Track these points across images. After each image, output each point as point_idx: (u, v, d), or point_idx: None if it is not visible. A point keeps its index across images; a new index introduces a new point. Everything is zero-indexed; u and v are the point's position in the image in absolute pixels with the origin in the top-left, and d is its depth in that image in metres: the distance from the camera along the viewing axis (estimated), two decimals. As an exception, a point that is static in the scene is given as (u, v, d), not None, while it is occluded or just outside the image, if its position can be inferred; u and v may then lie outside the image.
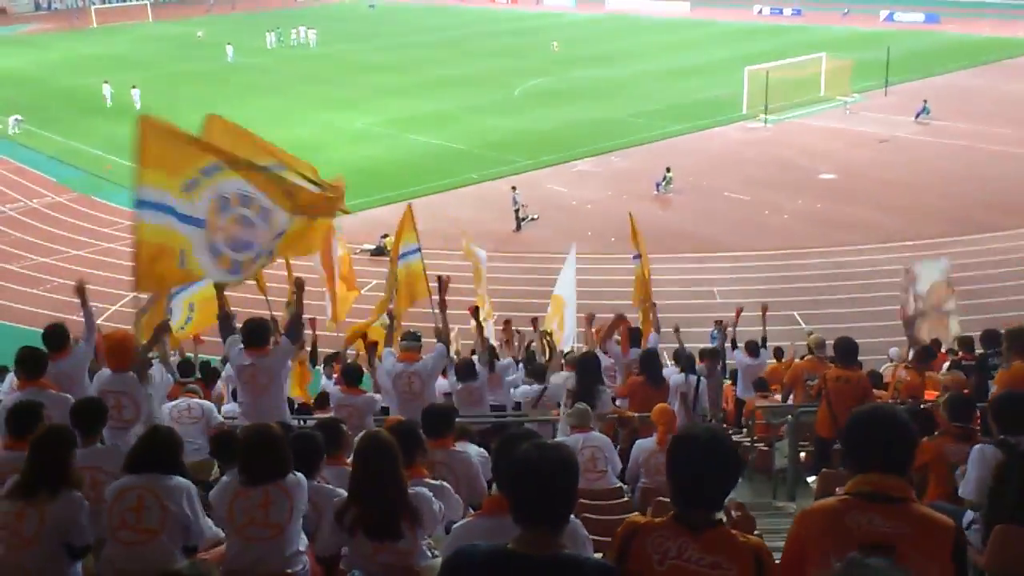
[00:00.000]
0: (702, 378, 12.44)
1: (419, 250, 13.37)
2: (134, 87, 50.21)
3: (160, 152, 7.29)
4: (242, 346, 8.32)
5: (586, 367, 9.34)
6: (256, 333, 8.37)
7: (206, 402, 8.85)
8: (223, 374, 11.91)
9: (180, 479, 5.34)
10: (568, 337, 15.38)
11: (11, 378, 8.39)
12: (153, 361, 8.12)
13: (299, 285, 8.75)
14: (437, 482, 5.68)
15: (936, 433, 6.94)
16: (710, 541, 3.28)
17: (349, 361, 11.08)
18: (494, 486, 6.39)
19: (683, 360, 12.65)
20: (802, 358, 12.60)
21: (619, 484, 8.23)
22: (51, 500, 5.19)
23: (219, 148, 7.74)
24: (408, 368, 9.53)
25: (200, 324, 12.11)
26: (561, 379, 9.91)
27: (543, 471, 3.20)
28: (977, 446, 6.07)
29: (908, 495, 3.60)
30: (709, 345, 19.55)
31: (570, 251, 16.98)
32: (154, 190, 7.27)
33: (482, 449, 7.22)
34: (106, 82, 51.85)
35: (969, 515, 5.88)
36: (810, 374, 11.25)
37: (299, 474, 5.28)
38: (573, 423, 8.13)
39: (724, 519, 3.44)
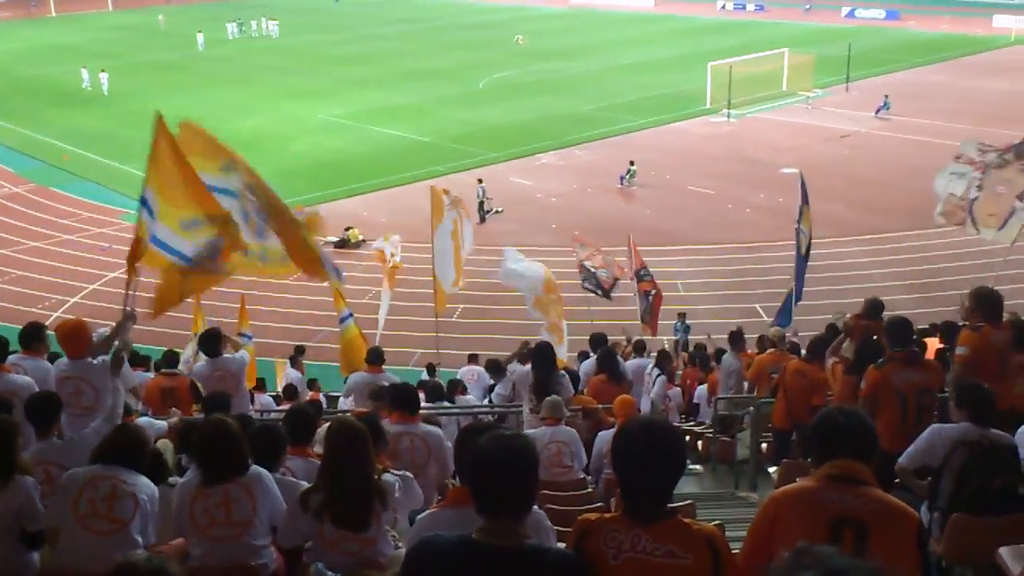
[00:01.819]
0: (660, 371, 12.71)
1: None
2: (103, 71, 50.40)
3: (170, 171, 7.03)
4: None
5: (541, 357, 9.31)
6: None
7: (144, 419, 8.67)
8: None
9: (146, 479, 5.34)
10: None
11: None
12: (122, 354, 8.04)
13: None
14: (400, 472, 5.68)
15: (881, 360, 7.02)
16: (662, 531, 3.30)
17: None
18: (457, 478, 6.44)
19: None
20: (763, 351, 12.73)
21: (583, 476, 8.28)
22: (2, 489, 5.15)
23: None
24: (375, 378, 9.64)
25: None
26: (522, 372, 9.94)
27: (502, 461, 3.22)
28: (935, 425, 6.14)
29: (872, 480, 3.72)
30: (676, 338, 19.78)
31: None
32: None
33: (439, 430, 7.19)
34: (84, 67, 52.05)
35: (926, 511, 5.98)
36: (774, 367, 11.39)
37: (260, 468, 5.23)
38: (545, 414, 8.14)
39: (675, 509, 3.48)
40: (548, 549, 3.34)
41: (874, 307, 9.89)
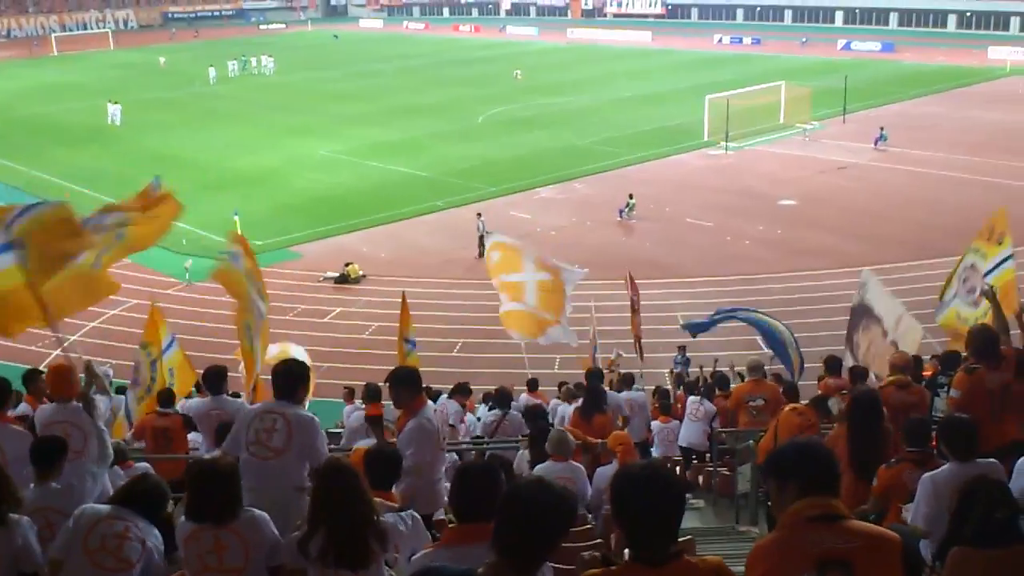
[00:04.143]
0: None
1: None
2: (116, 103, 52.43)
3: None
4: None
5: (534, 417, 9.22)
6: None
7: (142, 464, 8.57)
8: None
9: (157, 531, 5.33)
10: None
11: None
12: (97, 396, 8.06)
13: None
14: (407, 512, 5.65)
15: (894, 460, 6.99)
16: (673, 574, 3.32)
17: None
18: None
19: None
20: (742, 380, 12.76)
21: (583, 513, 8.23)
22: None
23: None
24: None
25: (180, 390, 12.16)
26: (523, 405, 9.88)
27: (546, 509, 3.29)
28: (926, 475, 6.08)
29: (848, 514, 3.71)
30: (675, 368, 19.72)
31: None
32: None
33: None
34: (109, 102, 53.58)
35: (926, 542, 5.95)
36: (751, 395, 11.40)
37: (255, 511, 5.19)
38: (551, 450, 8.12)
39: (682, 549, 3.47)
40: None
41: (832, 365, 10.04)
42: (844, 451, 8.00)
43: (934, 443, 7.27)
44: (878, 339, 12.57)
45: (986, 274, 11.29)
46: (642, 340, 16.89)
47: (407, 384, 7.22)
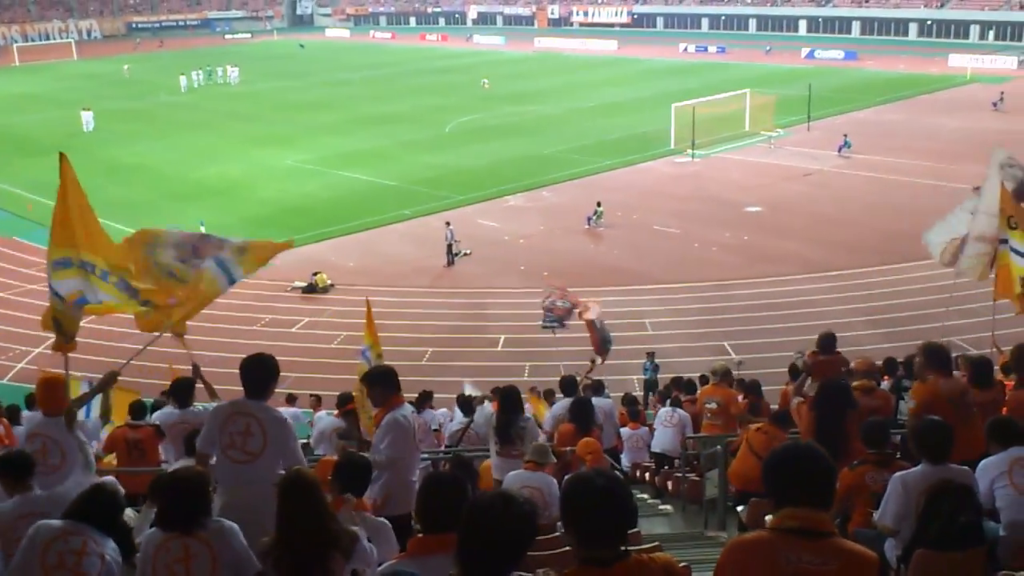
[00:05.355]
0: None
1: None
2: (88, 109, 52.14)
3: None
4: None
5: (506, 400, 9.24)
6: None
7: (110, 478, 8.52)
8: None
9: (114, 543, 5.25)
10: None
11: None
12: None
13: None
14: (378, 520, 5.63)
15: (856, 462, 7.06)
16: (622, 573, 3.34)
17: None
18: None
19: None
20: (706, 383, 12.88)
21: (549, 523, 8.22)
22: None
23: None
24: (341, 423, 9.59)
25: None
26: (485, 414, 9.87)
27: (517, 527, 3.33)
28: (896, 475, 6.12)
29: (832, 530, 3.65)
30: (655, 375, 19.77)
31: None
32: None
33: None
34: (84, 109, 53.45)
35: (891, 544, 6.01)
36: (709, 398, 11.52)
37: (224, 521, 5.15)
38: (531, 458, 8.12)
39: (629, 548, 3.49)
40: None
41: (827, 342, 9.93)
42: (807, 435, 8.11)
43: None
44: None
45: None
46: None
47: (382, 382, 7.28)
